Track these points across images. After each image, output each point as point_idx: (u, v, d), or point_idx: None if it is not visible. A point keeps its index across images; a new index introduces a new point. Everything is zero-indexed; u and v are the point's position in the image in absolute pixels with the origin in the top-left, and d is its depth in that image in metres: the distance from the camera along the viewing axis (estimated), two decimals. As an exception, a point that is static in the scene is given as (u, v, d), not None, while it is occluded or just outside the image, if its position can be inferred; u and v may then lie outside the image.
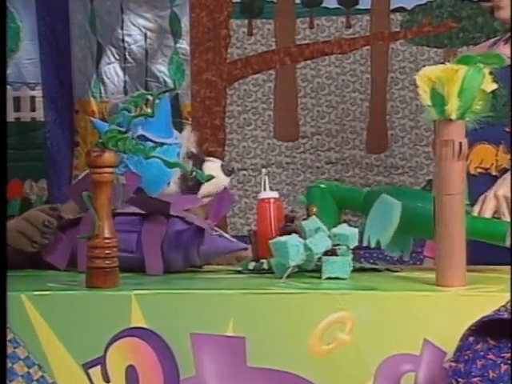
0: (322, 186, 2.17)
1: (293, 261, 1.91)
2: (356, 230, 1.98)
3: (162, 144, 2.18)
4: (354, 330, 1.74)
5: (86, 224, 2.01)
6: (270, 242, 1.95)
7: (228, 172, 2.35)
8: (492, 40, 2.50)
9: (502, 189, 2.16)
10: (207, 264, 2.14)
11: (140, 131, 2.20)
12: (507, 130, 2.25)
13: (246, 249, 2.09)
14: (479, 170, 2.31)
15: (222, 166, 2.35)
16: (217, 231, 2.06)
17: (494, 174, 2.30)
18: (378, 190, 2.11)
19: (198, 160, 2.34)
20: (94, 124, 2.36)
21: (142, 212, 2.09)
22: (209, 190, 2.28)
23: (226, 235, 2.08)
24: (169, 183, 2.29)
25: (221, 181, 2.29)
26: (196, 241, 2.04)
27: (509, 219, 2.09)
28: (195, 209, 2.21)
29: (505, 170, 2.29)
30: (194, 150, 2.34)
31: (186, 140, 2.33)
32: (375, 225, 2.00)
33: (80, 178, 2.19)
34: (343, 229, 1.97)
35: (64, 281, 1.96)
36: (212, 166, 2.33)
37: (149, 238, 2.06)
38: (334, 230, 1.97)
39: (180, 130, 2.40)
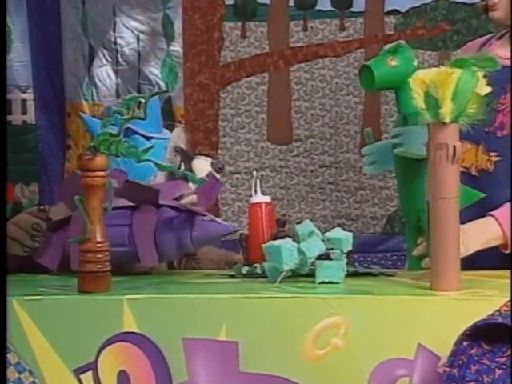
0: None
1: (286, 265, 1.90)
2: (350, 234, 1.97)
3: (149, 138, 2.16)
4: (348, 335, 1.73)
5: (75, 223, 2.01)
6: (264, 246, 1.94)
7: (218, 169, 2.33)
8: (483, 38, 2.47)
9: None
10: (197, 267, 2.13)
11: (130, 126, 2.16)
12: (486, 130, 2.24)
13: (237, 230, 2.07)
14: (460, 169, 2.30)
15: (211, 163, 2.33)
16: (207, 216, 2.04)
17: (473, 173, 2.29)
18: None
19: (186, 157, 2.32)
20: (85, 120, 2.33)
21: (131, 204, 2.08)
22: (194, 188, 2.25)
23: (218, 219, 2.06)
24: (155, 175, 2.26)
25: None
26: (188, 227, 2.03)
27: None
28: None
29: (483, 171, 2.28)
30: (183, 145, 2.32)
31: (176, 137, 2.31)
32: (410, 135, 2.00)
33: (66, 178, 2.17)
34: (337, 233, 1.96)
35: (55, 285, 1.95)
36: (201, 164, 2.31)
37: (140, 230, 2.05)
38: (328, 234, 1.96)
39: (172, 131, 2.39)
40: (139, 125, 2.19)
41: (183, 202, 2.15)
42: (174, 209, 2.07)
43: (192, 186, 2.18)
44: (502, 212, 2.15)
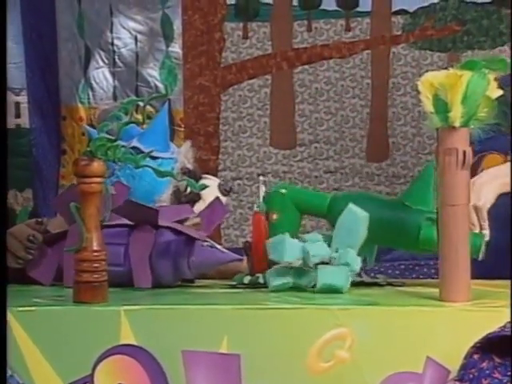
0: (283, 191, 2.11)
1: (288, 257, 1.88)
2: (359, 258, 1.92)
3: (155, 158, 2.12)
4: (354, 347, 1.72)
5: (72, 237, 1.99)
6: (267, 241, 1.92)
7: (225, 192, 2.29)
8: None
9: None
10: (199, 277, 2.10)
11: (134, 143, 2.15)
12: None
13: (239, 260, 2.05)
14: None
15: (219, 185, 2.30)
16: (208, 242, 2.02)
17: None
18: (343, 197, 2.09)
19: (193, 177, 2.28)
20: (89, 132, 2.30)
21: (130, 223, 2.06)
22: (201, 208, 2.22)
23: (218, 246, 2.04)
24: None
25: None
26: (186, 252, 2.00)
27: (478, 230, 2.03)
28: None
29: None
30: (190, 166, 2.28)
31: (182, 155, 2.27)
32: (342, 236, 1.94)
33: (65, 189, 2.15)
34: (346, 253, 1.91)
35: (50, 296, 1.94)
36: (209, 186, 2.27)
37: (136, 250, 2.03)
38: (336, 254, 1.91)
39: (172, 137, 2.36)
40: (145, 142, 2.15)
41: (187, 223, 2.13)
42: (173, 231, 2.03)
43: (196, 210, 2.17)
44: None
